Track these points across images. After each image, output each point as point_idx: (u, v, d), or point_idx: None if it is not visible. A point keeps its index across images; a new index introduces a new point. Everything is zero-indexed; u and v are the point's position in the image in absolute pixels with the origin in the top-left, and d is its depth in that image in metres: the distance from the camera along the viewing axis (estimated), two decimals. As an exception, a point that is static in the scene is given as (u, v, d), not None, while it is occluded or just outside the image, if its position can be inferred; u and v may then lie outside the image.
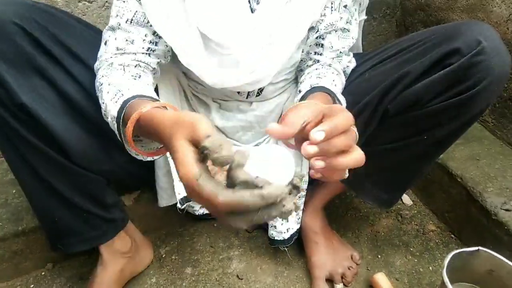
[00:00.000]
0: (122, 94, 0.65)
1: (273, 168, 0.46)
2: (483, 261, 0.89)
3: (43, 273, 1.09)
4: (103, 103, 0.68)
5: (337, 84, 0.83)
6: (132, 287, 1.05)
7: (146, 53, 0.78)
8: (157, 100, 0.65)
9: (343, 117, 0.51)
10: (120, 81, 0.70)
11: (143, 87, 0.70)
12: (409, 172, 0.97)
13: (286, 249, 1.11)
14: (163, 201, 0.98)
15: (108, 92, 0.67)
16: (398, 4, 1.50)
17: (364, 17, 0.97)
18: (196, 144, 0.45)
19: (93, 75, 0.77)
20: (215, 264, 1.10)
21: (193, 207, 1.10)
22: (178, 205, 0.91)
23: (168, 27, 0.76)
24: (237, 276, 1.07)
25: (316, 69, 0.87)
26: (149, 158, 0.68)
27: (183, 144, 0.46)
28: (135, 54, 0.77)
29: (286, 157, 0.47)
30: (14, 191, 1.11)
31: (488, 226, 1.03)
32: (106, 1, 1.15)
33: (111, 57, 0.75)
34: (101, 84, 0.70)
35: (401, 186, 1.03)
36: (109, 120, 0.67)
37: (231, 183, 0.44)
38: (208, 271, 1.08)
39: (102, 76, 0.72)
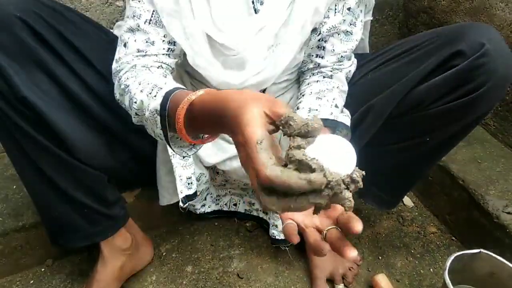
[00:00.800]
0: (161, 88, 0.62)
1: (334, 157, 0.43)
2: (484, 263, 0.89)
3: (43, 269, 1.08)
4: (135, 102, 0.65)
5: (338, 103, 0.83)
6: (132, 284, 1.04)
7: (167, 54, 0.78)
8: None
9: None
10: (152, 78, 0.67)
11: (177, 83, 0.67)
12: (411, 173, 0.97)
13: (287, 248, 1.10)
14: (164, 200, 0.98)
15: (141, 91, 0.64)
16: (401, 6, 1.50)
17: (370, 17, 0.97)
18: (273, 117, 0.43)
19: (96, 72, 0.77)
20: (215, 263, 1.10)
21: (194, 205, 1.10)
22: (180, 203, 0.91)
23: (177, 27, 0.76)
24: (238, 275, 1.07)
25: (317, 81, 0.87)
26: (193, 151, 0.64)
27: (257, 111, 0.43)
28: (157, 55, 0.77)
29: (349, 150, 0.45)
30: (14, 186, 1.11)
31: (489, 228, 1.03)
32: (110, -2, 1.15)
33: (132, 59, 0.75)
34: (128, 86, 0.68)
35: (402, 188, 1.03)
36: (146, 115, 0.62)
37: (287, 161, 0.42)
38: (209, 270, 1.08)
39: (128, 78, 0.70)
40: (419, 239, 1.16)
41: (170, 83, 0.63)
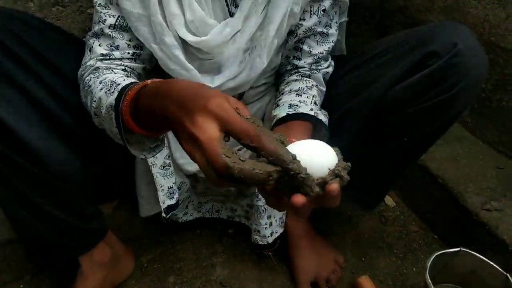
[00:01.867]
0: (119, 84, 0.62)
1: (314, 156, 0.48)
2: (465, 261, 0.90)
3: (21, 286, 1.05)
4: (95, 100, 0.65)
5: (317, 101, 0.83)
6: (113, 297, 1.03)
7: (132, 58, 0.77)
8: None
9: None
10: (113, 77, 0.68)
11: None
12: (390, 174, 0.97)
13: (270, 253, 1.10)
14: (145, 211, 0.96)
15: (101, 89, 0.65)
16: (377, 6, 1.50)
17: (345, 18, 0.96)
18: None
19: (67, 82, 0.75)
20: (198, 272, 1.08)
21: (176, 214, 1.09)
22: (163, 214, 0.89)
23: (146, 32, 0.75)
24: (221, 283, 1.05)
25: (296, 80, 0.87)
26: (152, 154, 0.65)
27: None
28: (121, 59, 0.76)
29: (327, 149, 0.50)
30: (-11, 202, 1.08)
31: (469, 226, 1.04)
32: (81, 6, 1.13)
33: (96, 62, 0.74)
34: (90, 86, 0.68)
35: (382, 188, 1.03)
36: (103, 113, 0.62)
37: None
38: (191, 279, 1.07)
39: (90, 79, 0.70)
40: (401, 239, 1.17)
41: (130, 80, 0.63)
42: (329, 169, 0.48)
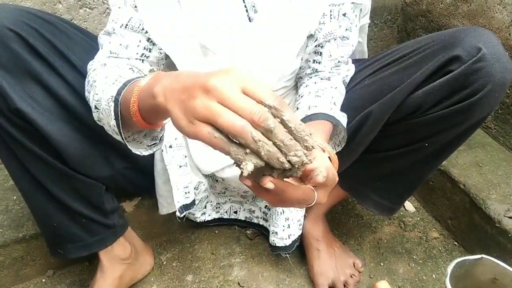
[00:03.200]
0: (124, 78, 0.63)
1: None
2: (486, 269, 0.88)
3: (43, 280, 1.08)
4: (97, 93, 0.64)
5: (336, 102, 0.83)
6: (132, 294, 1.04)
7: (140, 59, 0.78)
8: None
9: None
10: (119, 72, 0.69)
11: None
12: (411, 179, 0.96)
13: (287, 255, 1.10)
14: (164, 209, 0.98)
15: (105, 82, 0.64)
16: (399, 10, 1.50)
17: (367, 21, 0.96)
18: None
19: None
20: (216, 271, 1.09)
21: (194, 214, 1.10)
22: (177, 213, 0.90)
23: (166, 35, 0.76)
24: (239, 283, 1.06)
25: (315, 83, 0.87)
26: (149, 152, 0.66)
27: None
28: (129, 59, 0.77)
29: None
30: (14, 197, 1.11)
31: (491, 233, 1.02)
32: (107, 8, 1.16)
33: (104, 59, 0.75)
34: (95, 81, 0.68)
35: (402, 194, 1.02)
36: (103, 105, 0.61)
37: None
38: (209, 279, 1.07)
39: (96, 74, 0.70)
40: (421, 245, 1.15)
41: (136, 75, 0.64)
42: None
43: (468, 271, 0.89)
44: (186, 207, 0.91)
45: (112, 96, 0.58)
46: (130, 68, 0.77)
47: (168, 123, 0.69)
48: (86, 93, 0.72)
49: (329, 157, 0.60)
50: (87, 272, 1.08)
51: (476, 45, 0.72)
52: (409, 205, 1.27)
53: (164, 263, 1.12)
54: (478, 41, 0.72)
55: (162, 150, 0.88)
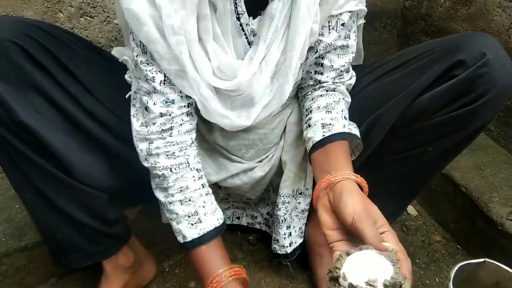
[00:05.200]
0: (200, 221, 0.79)
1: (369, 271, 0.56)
2: (489, 273, 0.88)
3: (47, 288, 1.09)
4: (171, 210, 0.81)
5: (346, 115, 0.84)
6: (135, 302, 1.04)
7: (188, 112, 0.79)
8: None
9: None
10: (193, 192, 0.80)
11: (212, 209, 0.82)
12: (414, 183, 0.96)
13: (289, 263, 1.09)
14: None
15: (181, 204, 0.80)
16: (399, 14, 1.50)
17: (362, 21, 0.96)
18: None
19: (91, 93, 0.78)
20: (219, 278, 1.09)
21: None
22: None
23: (187, 85, 0.75)
24: (241, 289, 1.06)
25: (321, 95, 0.86)
26: None
27: None
28: (181, 115, 0.78)
29: (382, 262, 0.58)
30: (17, 206, 1.11)
31: (494, 236, 1.02)
32: (108, 16, 1.16)
33: (160, 130, 0.77)
34: (167, 180, 0.79)
35: (406, 197, 1.02)
36: (177, 228, 0.82)
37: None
38: (212, 285, 1.07)
39: (166, 167, 0.79)
40: (424, 249, 1.16)
41: (209, 220, 0.80)
42: (385, 280, 0.55)
43: (471, 275, 0.89)
44: None
45: (185, 237, 0.80)
46: (187, 130, 0.80)
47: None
48: (153, 183, 0.84)
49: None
50: (90, 280, 1.08)
51: (481, 50, 0.73)
52: (411, 209, 1.27)
53: (167, 270, 1.12)
54: (483, 47, 0.73)
55: None
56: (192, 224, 0.79)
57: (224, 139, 0.92)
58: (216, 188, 1.04)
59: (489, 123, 0.80)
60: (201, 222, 0.79)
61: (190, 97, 0.77)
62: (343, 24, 0.82)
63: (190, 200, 0.79)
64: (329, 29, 0.82)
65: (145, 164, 0.80)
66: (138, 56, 0.74)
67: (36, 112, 0.72)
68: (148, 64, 0.74)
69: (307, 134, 0.83)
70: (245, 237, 1.20)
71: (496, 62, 0.72)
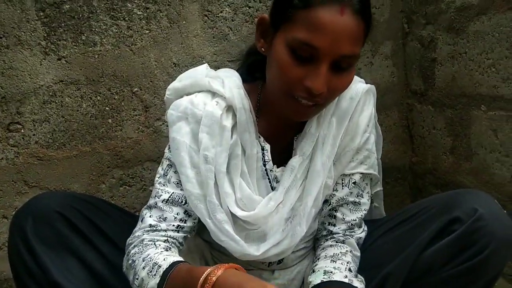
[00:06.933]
0: (160, 266, 0.73)
1: None
2: None
3: None
4: (137, 278, 0.75)
5: (352, 267, 0.88)
6: None
7: (175, 230, 0.87)
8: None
9: None
10: (154, 255, 0.77)
11: (175, 255, 0.79)
12: None
13: None
14: None
15: (143, 267, 0.75)
16: (407, 168, 1.60)
17: (379, 188, 1.06)
18: None
19: (121, 253, 0.86)
20: None
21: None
22: None
23: (204, 208, 0.86)
24: None
25: (331, 246, 0.93)
26: None
27: None
28: (166, 231, 0.85)
29: None
30: None
31: None
32: (144, 184, 1.31)
33: (143, 234, 0.84)
34: (134, 261, 0.78)
35: None
36: None
37: None
38: None
39: (135, 253, 0.80)
40: None
41: (169, 259, 0.75)
42: None
43: None
44: None
45: (160, 274, 0.72)
46: (165, 240, 0.85)
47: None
48: (124, 269, 0.81)
49: None
50: None
51: (473, 206, 0.79)
52: None
53: None
54: (474, 203, 0.80)
55: None
56: (154, 275, 0.73)
57: None
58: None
59: (499, 275, 0.81)
60: (160, 267, 0.74)
61: (184, 222, 0.86)
62: (354, 183, 0.94)
63: (150, 259, 0.76)
64: (342, 185, 0.94)
65: (124, 270, 0.83)
66: (159, 177, 0.89)
67: (69, 272, 0.81)
68: (163, 184, 0.88)
69: (309, 279, 0.87)
70: None
71: (490, 216, 0.77)
